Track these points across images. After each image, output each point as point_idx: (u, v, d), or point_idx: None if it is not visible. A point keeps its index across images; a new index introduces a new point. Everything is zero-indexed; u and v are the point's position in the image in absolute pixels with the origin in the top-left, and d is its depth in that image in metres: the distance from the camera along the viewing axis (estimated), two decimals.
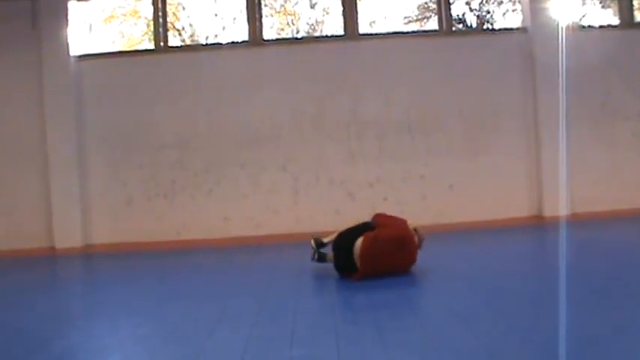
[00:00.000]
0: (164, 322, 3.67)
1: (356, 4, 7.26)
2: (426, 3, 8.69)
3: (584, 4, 8.20)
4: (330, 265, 4.67)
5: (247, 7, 7.27)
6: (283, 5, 8.39)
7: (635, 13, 7.51)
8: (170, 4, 7.63)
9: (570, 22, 7.21)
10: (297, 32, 8.36)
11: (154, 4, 7.29)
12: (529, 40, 7.16)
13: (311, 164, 7.13)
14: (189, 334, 3.35)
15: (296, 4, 8.41)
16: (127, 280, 5.16)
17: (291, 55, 7.22)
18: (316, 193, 7.11)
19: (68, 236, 6.96)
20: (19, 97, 7.12)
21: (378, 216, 4.79)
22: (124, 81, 7.21)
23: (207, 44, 8.01)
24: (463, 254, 5.40)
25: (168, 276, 5.26)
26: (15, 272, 5.94)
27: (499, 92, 7.21)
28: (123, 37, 8.33)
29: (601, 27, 7.43)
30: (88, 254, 6.82)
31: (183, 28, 8.46)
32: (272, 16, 8.24)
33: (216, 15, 8.18)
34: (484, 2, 8.99)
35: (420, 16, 8.77)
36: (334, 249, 4.62)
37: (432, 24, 8.24)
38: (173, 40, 7.85)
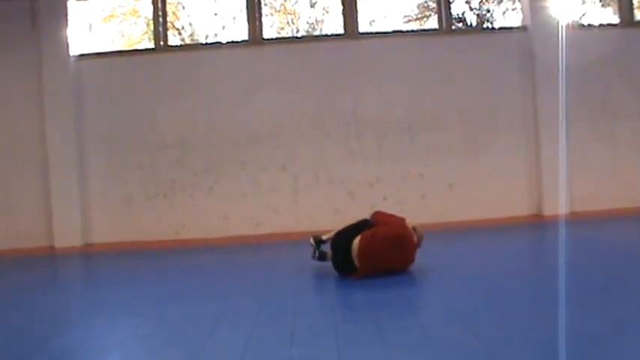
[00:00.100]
0: (164, 322, 3.67)
1: (356, 3, 7.26)
2: (425, 2, 8.68)
3: (584, 2, 8.19)
4: (329, 264, 4.67)
5: (247, 6, 7.27)
6: (283, 4, 8.38)
7: (635, 11, 7.51)
8: (170, 4, 7.63)
9: (570, 21, 7.21)
10: (297, 31, 8.35)
11: (153, 3, 7.29)
12: (529, 39, 7.16)
13: (311, 163, 7.13)
14: (189, 334, 3.34)
15: (296, 3, 8.40)
16: (126, 280, 5.16)
17: (291, 54, 7.22)
18: (316, 192, 7.11)
19: (68, 236, 6.97)
20: (18, 96, 7.12)
21: (377, 214, 4.78)
22: (123, 80, 7.21)
23: (207, 43, 8.00)
24: (463, 253, 5.40)
25: (168, 275, 5.27)
26: (15, 272, 5.95)
27: (499, 91, 7.21)
28: (123, 36, 8.32)
29: (601, 26, 7.43)
30: (88, 254, 6.82)
31: (183, 28, 8.45)
32: (272, 15, 8.23)
33: (216, 14, 8.17)
34: (484, 1, 8.98)
35: (419, 15, 8.75)
36: (332, 248, 4.62)
37: (432, 23, 8.23)
38: (173, 40, 7.84)
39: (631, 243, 5.45)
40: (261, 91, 7.11)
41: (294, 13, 8.43)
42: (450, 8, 7.41)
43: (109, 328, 3.67)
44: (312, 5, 8.39)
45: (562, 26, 6.92)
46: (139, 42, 8.30)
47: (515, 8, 8.31)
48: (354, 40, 7.25)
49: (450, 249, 5.59)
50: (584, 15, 8.11)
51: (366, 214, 4.85)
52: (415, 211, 6.51)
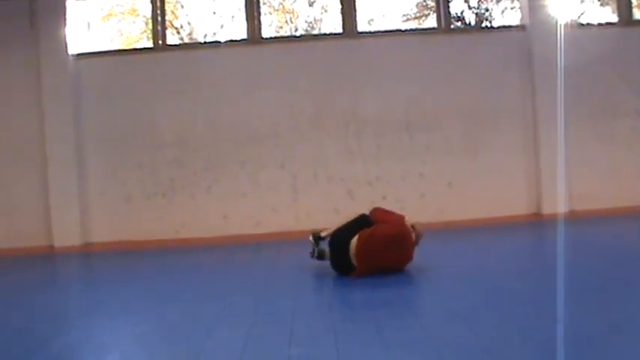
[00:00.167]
0: (163, 321, 3.67)
1: (354, 2, 7.26)
2: (424, 1, 8.69)
3: (582, 1, 8.20)
4: (328, 263, 4.66)
5: (246, 5, 7.27)
6: (282, 3, 8.39)
7: (634, 10, 7.51)
8: (168, 2, 7.63)
9: (569, 20, 7.21)
10: (296, 30, 8.35)
11: (152, 2, 7.29)
12: (528, 38, 7.16)
13: (310, 162, 7.13)
14: (188, 333, 3.34)
15: (294, 2, 8.40)
16: (125, 279, 5.16)
17: (289, 53, 7.22)
18: (315, 191, 7.11)
19: (67, 235, 6.97)
20: (17, 96, 7.11)
21: (376, 210, 4.74)
22: (122, 79, 7.21)
23: (205, 42, 8.01)
24: (462, 252, 5.40)
25: (167, 275, 5.26)
26: (14, 271, 5.94)
27: (498, 90, 7.21)
28: (121, 35, 8.32)
29: (600, 24, 7.44)
30: (87, 253, 6.82)
31: (181, 26, 8.45)
32: (271, 14, 8.24)
33: (214, 13, 8.17)
34: (483, 0, 8.99)
35: (418, 14, 8.76)
36: (330, 247, 4.59)
37: (431, 22, 8.24)
38: (172, 39, 7.85)
39: (630, 242, 5.45)
40: (260, 90, 7.11)
41: (293, 12, 8.43)
42: (448, 7, 7.41)
43: (109, 327, 3.67)
44: (311, 4, 8.39)
45: (561, 25, 6.92)
46: (138, 41, 8.30)
47: (514, 7, 8.33)
48: (353, 39, 7.25)
49: (449, 248, 5.59)
50: (582, 14, 8.13)
51: (365, 212, 4.84)
52: (414, 210, 6.48)
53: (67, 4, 7.10)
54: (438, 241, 5.50)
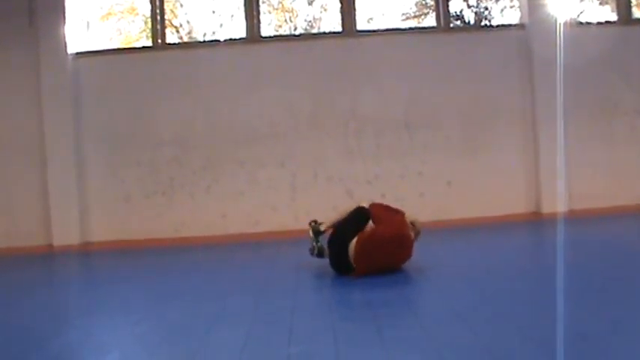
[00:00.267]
0: (162, 320, 3.67)
1: (354, 0, 7.26)
2: None
3: (582, 0, 8.19)
4: (328, 260, 4.65)
5: (245, 4, 7.27)
6: (281, 2, 8.38)
7: (633, 9, 7.51)
8: (168, 1, 7.62)
9: (568, 19, 7.21)
10: (295, 29, 8.34)
11: (151, 1, 7.28)
12: (527, 37, 7.16)
13: (309, 161, 7.13)
14: (187, 332, 3.34)
15: (294, 1, 8.39)
16: (125, 278, 5.15)
17: (289, 52, 7.21)
18: (314, 190, 7.11)
19: (66, 234, 6.96)
20: (16, 95, 7.10)
21: (375, 207, 4.67)
22: (121, 78, 7.20)
23: (204, 41, 8.00)
24: (461, 251, 5.40)
25: (166, 273, 5.26)
26: (13, 270, 5.94)
27: (497, 89, 7.21)
28: (120, 34, 8.32)
29: (599, 23, 7.44)
30: (87, 252, 6.81)
31: (180, 25, 8.44)
32: (270, 12, 8.23)
33: (213, 12, 8.16)
34: None
35: (417, 13, 8.75)
36: (329, 247, 4.58)
37: (430, 20, 8.23)
38: (171, 37, 7.84)
39: (630, 241, 5.45)
40: (260, 89, 7.11)
41: (292, 11, 8.42)
42: (448, 6, 7.40)
43: (108, 326, 3.67)
44: (310, 3, 8.39)
45: (560, 24, 6.92)
46: (137, 40, 8.29)
47: (514, 6, 8.32)
48: (352, 38, 7.24)
49: (448, 247, 5.59)
50: (582, 12, 8.13)
51: (363, 204, 4.78)
52: (414, 208, 6.45)
53: (66, 3, 7.08)
54: (437, 240, 5.50)
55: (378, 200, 4.94)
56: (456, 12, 8.77)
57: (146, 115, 7.17)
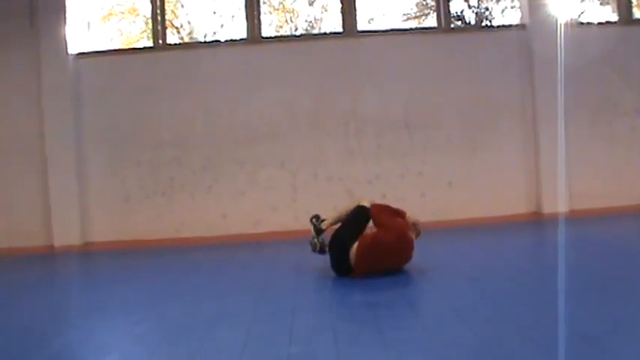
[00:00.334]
0: (163, 320, 3.67)
1: (354, 1, 7.25)
2: (424, 0, 8.67)
3: (582, 0, 8.19)
4: (328, 260, 4.63)
5: (246, 5, 7.26)
6: (282, 2, 8.38)
7: (634, 9, 7.51)
8: (169, 2, 7.62)
9: (569, 19, 7.20)
10: (296, 30, 8.34)
11: (152, 1, 7.28)
12: (528, 37, 7.16)
13: (309, 161, 7.13)
14: (187, 332, 3.34)
15: (294, 1, 8.39)
16: (125, 278, 5.16)
17: (289, 52, 7.21)
18: (314, 190, 7.11)
19: (67, 234, 6.96)
20: (17, 95, 7.10)
21: (376, 208, 4.63)
22: (122, 79, 7.20)
23: (205, 42, 7.99)
24: (462, 252, 5.39)
25: (166, 274, 5.26)
26: (14, 270, 5.94)
27: (498, 89, 7.21)
28: (121, 34, 8.32)
29: (600, 23, 7.43)
30: (87, 252, 6.82)
31: (181, 26, 8.44)
32: (270, 13, 8.23)
33: (214, 12, 8.16)
34: None
35: (418, 13, 8.75)
36: (330, 250, 4.56)
37: (431, 21, 8.22)
38: (171, 38, 7.84)
39: (630, 241, 5.45)
40: (260, 90, 7.10)
41: (293, 12, 8.42)
42: (448, 6, 7.40)
43: (108, 326, 3.67)
44: (311, 3, 8.38)
45: (561, 24, 6.92)
46: (138, 40, 8.29)
47: (514, 6, 8.31)
48: (353, 39, 7.24)
49: (449, 247, 5.58)
50: (582, 13, 8.12)
51: (364, 203, 4.77)
52: (414, 209, 6.45)
53: (67, 3, 7.08)
54: (437, 241, 5.50)
55: (379, 200, 4.93)
56: (456, 12, 8.77)
57: (146, 115, 7.17)
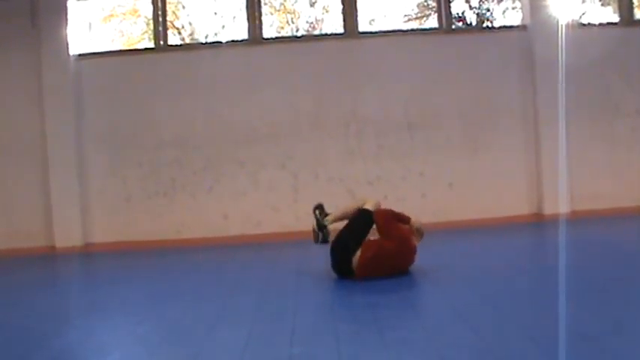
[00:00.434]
0: (163, 321, 3.67)
1: (356, 2, 7.25)
2: (425, 1, 8.68)
3: (583, 1, 8.19)
4: (329, 260, 4.61)
5: (247, 6, 7.27)
6: (283, 3, 8.38)
7: (635, 10, 7.50)
8: (170, 3, 7.62)
9: (570, 20, 7.20)
10: (297, 30, 8.35)
11: (153, 2, 7.28)
12: (529, 38, 7.16)
13: (310, 162, 7.13)
14: (188, 333, 3.34)
15: (296, 2, 8.40)
16: (126, 279, 5.16)
17: (290, 53, 7.21)
18: (315, 190, 7.09)
19: (68, 235, 6.96)
20: (18, 95, 7.11)
21: (380, 215, 4.55)
22: (123, 79, 7.20)
23: (206, 43, 8.00)
24: (463, 253, 5.39)
25: (167, 274, 5.26)
26: (15, 271, 5.95)
27: (499, 90, 7.21)
28: (122, 35, 8.33)
29: (601, 25, 7.44)
30: (88, 253, 6.82)
31: (182, 27, 8.45)
32: (272, 14, 8.23)
33: (215, 13, 8.18)
34: (484, 0, 8.98)
35: (419, 14, 8.75)
36: (332, 253, 4.51)
37: (432, 22, 8.23)
38: (173, 39, 7.85)
39: (631, 242, 5.45)
40: (261, 91, 7.11)
41: (294, 13, 8.43)
42: (449, 7, 7.40)
43: (109, 326, 3.67)
44: (312, 4, 8.39)
45: (562, 25, 6.92)
46: (139, 41, 8.30)
47: (515, 7, 8.31)
48: (354, 40, 7.24)
49: (450, 248, 5.58)
50: (584, 14, 8.12)
51: (367, 206, 4.74)
52: (415, 209, 6.46)
53: (69, 4, 7.09)
54: (438, 242, 5.49)
55: (381, 201, 4.88)
56: (457, 13, 8.76)
57: (148, 116, 7.17)
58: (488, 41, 7.33)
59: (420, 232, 4.59)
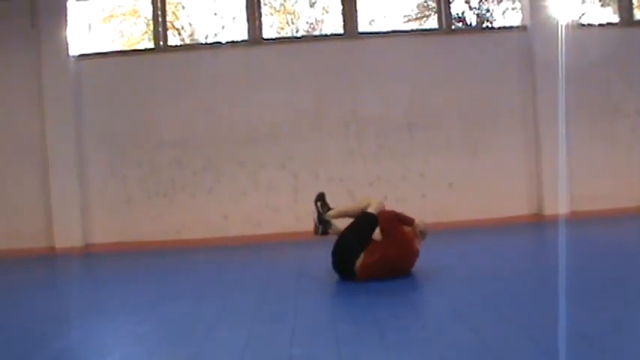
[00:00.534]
0: (164, 321, 3.67)
1: (355, 2, 7.25)
2: (425, 1, 8.68)
3: (583, 2, 8.19)
4: (330, 258, 4.60)
5: (247, 6, 7.26)
6: (283, 4, 8.38)
7: (635, 11, 7.51)
8: (169, 3, 7.62)
9: (570, 20, 7.20)
10: (297, 31, 8.35)
11: (153, 3, 7.28)
12: (529, 39, 7.16)
13: (310, 162, 7.13)
14: (188, 333, 3.34)
15: (295, 3, 8.40)
16: (126, 279, 5.16)
17: (290, 53, 7.21)
18: (315, 191, 6.98)
19: (68, 236, 6.95)
20: (18, 96, 7.11)
21: (384, 217, 4.52)
22: (123, 80, 7.20)
23: (206, 43, 8.00)
24: (463, 253, 5.39)
25: (167, 275, 5.27)
26: (15, 272, 5.95)
27: (499, 90, 7.21)
28: (122, 36, 8.32)
29: (600, 25, 7.43)
30: (88, 254, 6.82)
31: (182, 28, 8.45)
32: (272, 15, 8.23)
33: (215, 14, 8.18)
34: (484, 0, 8.99)
35: (419, 15, 8.76)
36: (333, 254, 4.49)
37: (432, 22, 8.23)
38: (173, 40, 7.84)
39: (631, 242, 5.45)
40: (261, 91, 7.11)
41: (294, 13, 8.43)
42: (449, 8, 7.40)
43: (109, 327, 3.67)
44: (312, 5, 8.39)
45: (562, 26, 6.92)
46: (139, 42, 8.30)
47: (515, 8, 8.31)
48: (354, 40, 7.24)
49: (450, 249, 5.58)
50: (583, 14, 8.12)
51: (370, 210, 4.72)
52: (415, 210, 6.46)
53: (68, 5, 7.09)
54: (439, 242, 5.48)
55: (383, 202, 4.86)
56: (457, 14, 8.77)
57: (147, 116, 7.17)
58: (488, 42, 7.33)
59: (423, 234, 4.59)
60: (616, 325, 3.01)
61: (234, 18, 7.96)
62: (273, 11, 8.25)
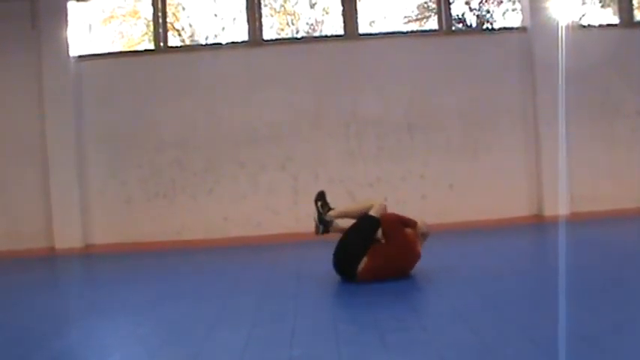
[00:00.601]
0: (164, 322, 3.67)
1: (356, 3, 7.26)
2: (425, 3, 8.69)
3: (584, 3, 8.20)
4: (330, 259, 4.59)
5: (247, 7, 7.27)
6: (283, 5, 8.39)
7: (635, 12, 7.51)
8: (170, 5, 7.63)
9: (570, 22, 7.21)
10: (297, 32, 8.36)
11: (153, 4, 7.29)
12: (529, 40, 7.16)
13: (310, 164, 7.13)
14: (188, 334, 3.34)
15: (296, 4, 8.41)
16: (126, 280, 5.16)
17: (290, 55, 7.22)
18: (315, 192, 7.05)
19: (68, 236, 6.96)
20: (18, 97, 7.12)
21: (386, 220, 4.49)
22: (123, 81, 7.21)
23: (206, 44, 8.01)
24: (464, 254, 5.39)
25: (168, 276, 5.26)
26: (15, 272, 5.94)
27: (499, 91, 7.21)
28: (123, 37, 8.34)
29: (601, 26, 7.44)
30: (88, 254, 6.81)
31: (182, 29, 8.47)
32: (272, 16, 8.25)
33: (215, 15, 8.19)
34: (484, 2, 8.99)
35: (419, 16, 8.77)
36: (335, 255, 4.48)
37: (432, 24, 8.25)
38: (173, 41, 7.86)
39: (631, 243, 5.45)
40: (261, 92, 7.11)
41: (294, 14, 8.44)
42: (450, 9, 7.41)
43: (109, 327, 3.67)
44: (312, 6, 8.40)
45: (562, 27, 6.92)
46: (139, 43, 8.32)
47: (515, 9, 8.33)
48: (354, 41, 7.25)
49: (450, 249, 5.57)
50: (584, 15, 8.13)
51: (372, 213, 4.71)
52: (415, 211, 6.45)
53: (69, 6, 7.10)
54: (439, 243, 5.46)
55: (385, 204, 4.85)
56: (457, 15, 8.77)
57: (148, 117, 7.17)
58: (488, 43, 7.34)
59: (424, 236, 4.58)
60: (616, 326, 3.01)
61: (234, 19, 7.98)
62: (273, 12, 8.26)
